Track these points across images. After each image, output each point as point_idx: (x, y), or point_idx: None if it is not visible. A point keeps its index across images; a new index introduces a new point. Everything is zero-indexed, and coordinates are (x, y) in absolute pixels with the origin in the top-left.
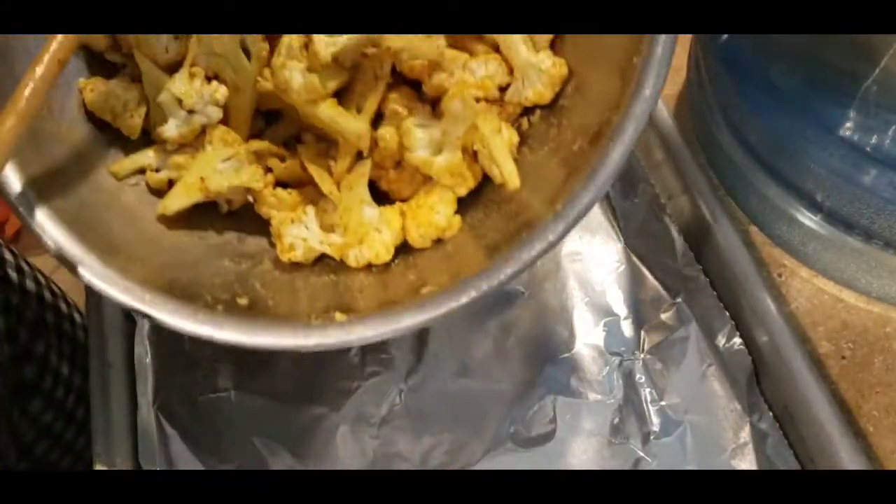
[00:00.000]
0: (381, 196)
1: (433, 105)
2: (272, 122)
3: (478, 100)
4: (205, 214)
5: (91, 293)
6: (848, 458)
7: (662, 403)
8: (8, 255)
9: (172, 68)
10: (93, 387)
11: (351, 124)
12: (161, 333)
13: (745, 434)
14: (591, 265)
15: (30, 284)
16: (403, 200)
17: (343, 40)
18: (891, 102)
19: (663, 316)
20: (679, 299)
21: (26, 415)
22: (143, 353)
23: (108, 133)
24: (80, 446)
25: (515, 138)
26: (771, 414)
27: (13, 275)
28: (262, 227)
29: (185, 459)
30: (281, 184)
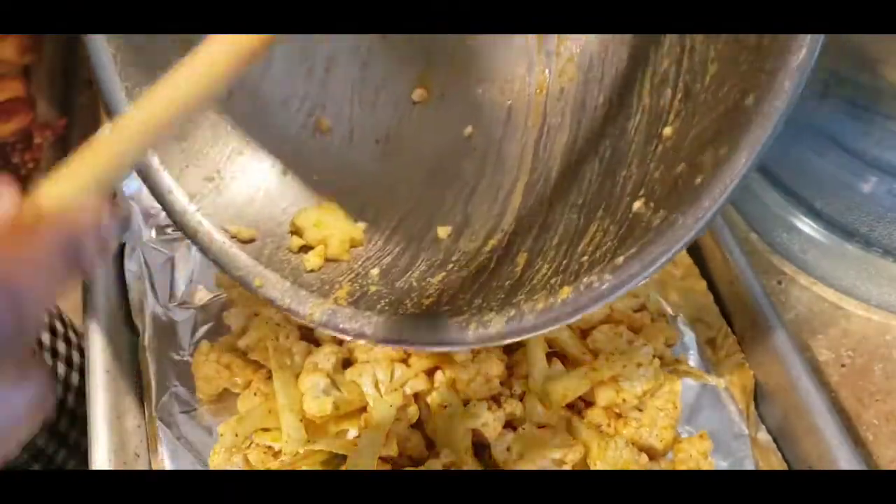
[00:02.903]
0: None
1: None
2: None
3: None
4: None
5: (89, 301)
6: (848, 467)
7: None
8: None
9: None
10: (91, 394)
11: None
12: (162, 342)
13: (745, 445)
14: None
15: None
16: None
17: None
18: (890, 111)
19: None
20: (679, 312)
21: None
22: (145, 361)
23: None
24: (72, 468)
25: None
26: (770, 424)
27: None
28: None
29: (185, 466)
30: None
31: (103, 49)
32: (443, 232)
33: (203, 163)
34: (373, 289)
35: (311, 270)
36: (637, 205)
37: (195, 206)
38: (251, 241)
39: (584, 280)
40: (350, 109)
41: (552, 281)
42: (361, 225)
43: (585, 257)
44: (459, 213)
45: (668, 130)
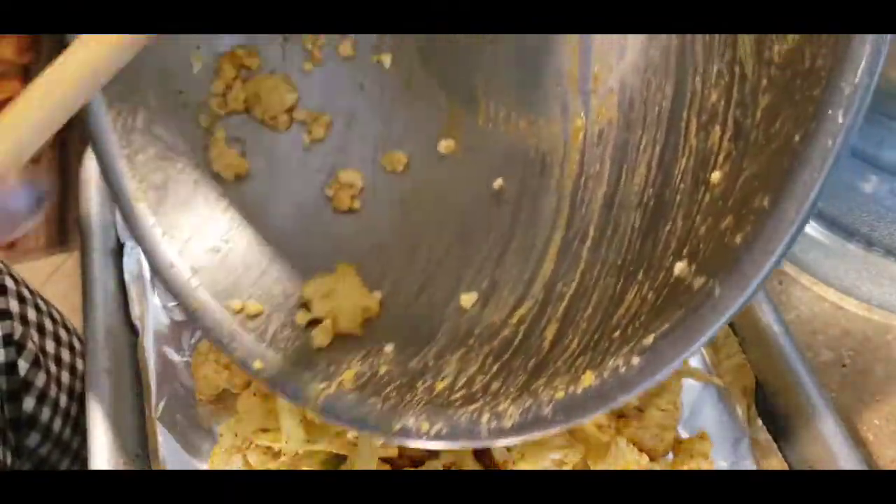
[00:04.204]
0: None
1: None
2: None
3: None
4: None
5: (88, 302)
6: (848, 467)
7: None
8: (10, 283)
9: None
10: (90, 394)
11: None
12: (162, 342)
13: (745, 446)
14: None
15: (31, 313)
16: None
17: None
18: (891, 110)
19: None
20: None
21: (20, 451)
22: (145, 361)
23: None
24: None
25: None
26: (770, 424)
27: (14, 304)
28: None
29: (185, 466)
30: None
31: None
32: (467, 300)
33: (210, 232)
34: (383, 369)
35: (319, 348)
36: (679, 266)
37: (198, 280)
38: (257, 315)
39: (610, 364)
40: (372, 168)
41: (578, 362)
42: (378, 294)
43: (618, 332)
44: (487, 279)
45: (716, 176)
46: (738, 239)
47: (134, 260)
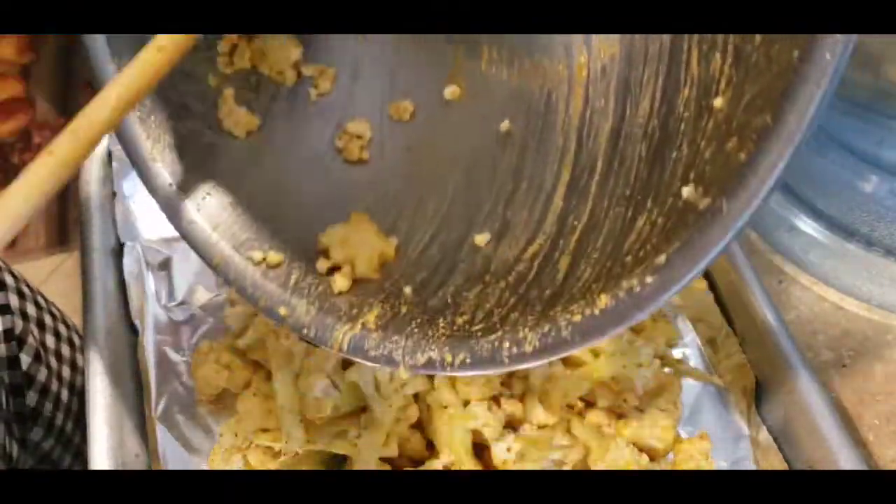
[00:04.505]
0: None
1: None
2: None
3: None
4: None
5: (88, 301)
6: (848, 467)
7: None
8: (9, 280)
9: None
10: (90, 394)
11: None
12: (162, 342)
13: (746, 445)
14: None
15: (31, 309)
16: None
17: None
18: (891, 110)
19: None
20: (680, 312)
21: (25, 445)
22: (145, 361)
23: None
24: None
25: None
26: (770, 424)
27: (14, 299)
28: None
29: (185, 466)
30: None
31: (103, 50)
32: (481, 240)
33: (225, 188)
34: (404, 309)
35: (340, 293)
36: (687, 191)
37: (218, 235)
38: (279, 265)
39: (624, 284)
40: (380, 118)
41: (592, 287)
42: (393, 240)
43: (630, 257)
44: (499, 219)
45: (718, 101)
46: (741, 156)
47: (133, 259)
